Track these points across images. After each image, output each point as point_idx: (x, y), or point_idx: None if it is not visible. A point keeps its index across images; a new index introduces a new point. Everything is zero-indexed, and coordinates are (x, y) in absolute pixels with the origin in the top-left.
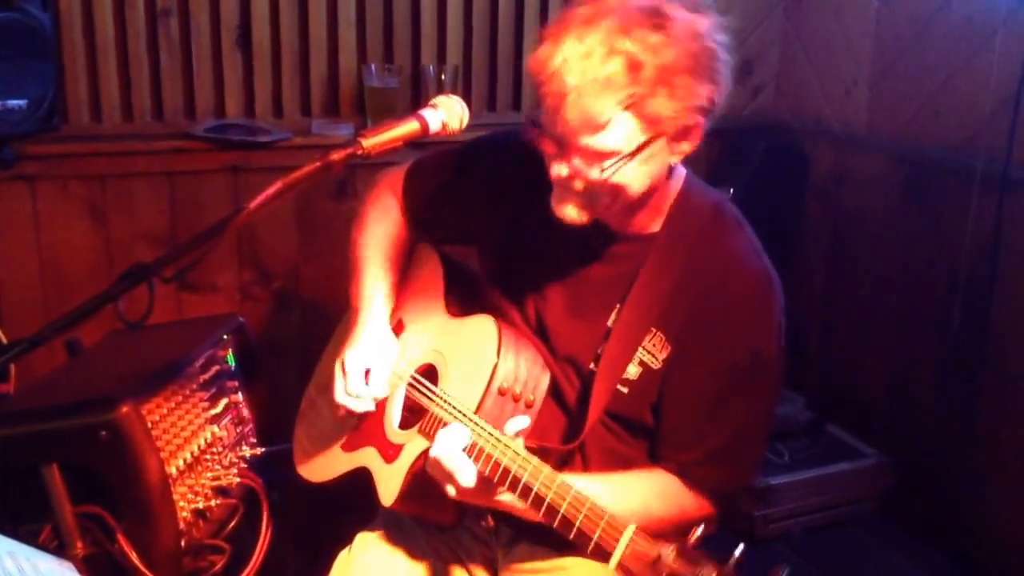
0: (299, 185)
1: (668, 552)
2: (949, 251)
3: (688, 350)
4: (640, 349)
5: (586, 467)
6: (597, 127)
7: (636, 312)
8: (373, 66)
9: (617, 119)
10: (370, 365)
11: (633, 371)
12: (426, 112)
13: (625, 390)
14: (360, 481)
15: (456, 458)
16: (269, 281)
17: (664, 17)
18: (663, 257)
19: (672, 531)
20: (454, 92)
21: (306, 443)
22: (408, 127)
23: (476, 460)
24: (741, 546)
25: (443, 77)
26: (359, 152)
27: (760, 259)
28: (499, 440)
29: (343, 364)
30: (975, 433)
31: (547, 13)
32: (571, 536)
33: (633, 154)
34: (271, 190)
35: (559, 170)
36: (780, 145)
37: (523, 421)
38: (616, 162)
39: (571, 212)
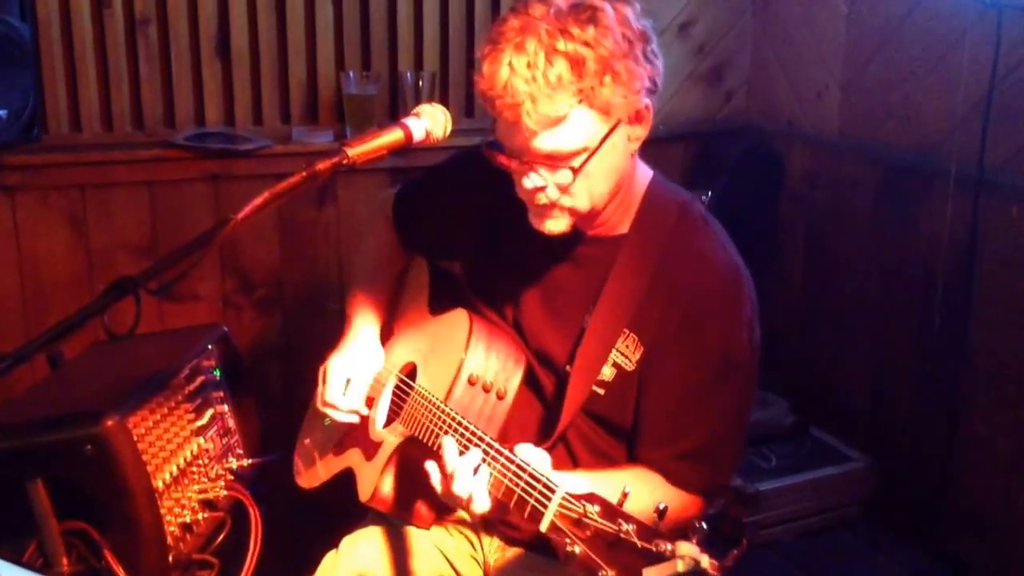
0: (285, 195)
1: (593, 510)
2: (927, 252)
3: (661, 350)
4: (614, 351)
5: (574, 463)
6: (557, 123)
7: (608, 313)
8: (352, 73)
9: (574, 114)
10: (351, 375)
11: (608, 372)
12: (410, 121)
13: (601, 391)
14: (350, 491)
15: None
16: (252, 289)
17: (593, 9)
18: (632, 258)
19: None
20: (432, 99)
21: (304, 452)
22: (392, 136)
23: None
24: (704, 524)
25: (421, 84)
26: (344, 162)
27: (727, 255)
28: (460, 424)
29: (325, 371)
30: (958, 433)
31: None
32: (512, 503)
33: (598, 146)
34: (258, 200)
35: (530, 182)
36: (755, 149)
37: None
38: (585, 158)
39: (552, 224)
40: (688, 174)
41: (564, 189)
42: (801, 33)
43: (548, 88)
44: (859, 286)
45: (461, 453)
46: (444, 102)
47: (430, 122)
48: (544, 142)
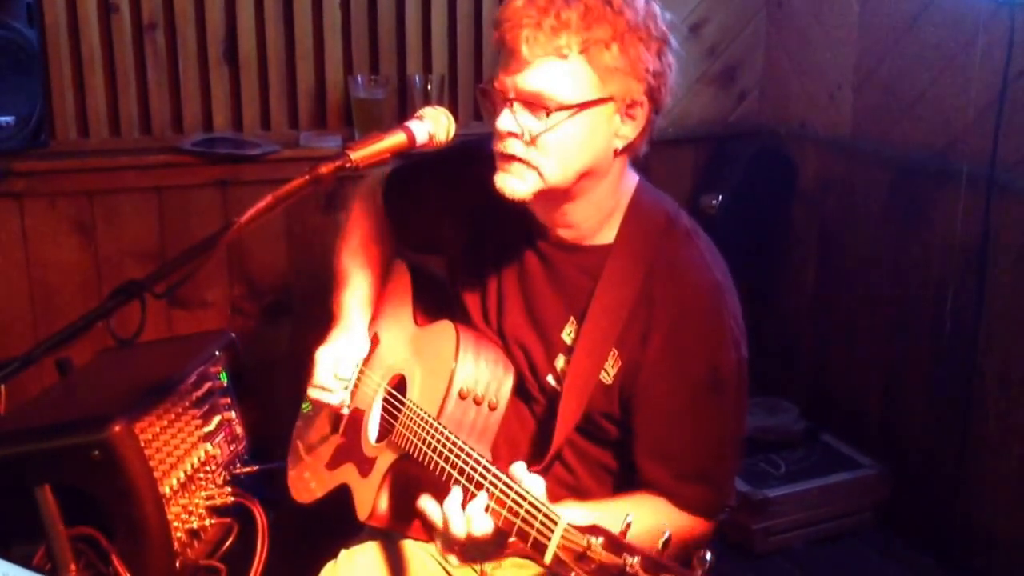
0: (288, 199)
1: (596, 543)
2: (938, 254)
3: (647, 371)
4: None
5: (570, 474)
6: (554, 62)
7: (598, 331)
8: (360, 77)
9: (573, 63)
10: (338, 360)
11: None
12: (412, 123)
13: None
14: (349, 499)
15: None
16: (259, 296)
17: None
18: (618, 272)
19: (681, 553)
20: (441, 102)
21: (297, 466)
22: (395, 139)
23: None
24: (709, 554)
25: (429, 87)
26: (347, 165)
27: (710, 272)
28: (455, 445)
29: (314, 359)
30: (970, 438)
31: None
32: (512, 534)
33: (580, 107)
34: (261, 204)
35: (504, 122)
36: (767, 151)
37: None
38: (561, 111)
39: (513, 183)
40: (700, 177)
41: (532, 142)
42: (813, 34)
43: (557, 24)
44: (870, 289)
45: (464, 497)
46: (453, 105)
47: (433, 125)
48: (533, 78)
